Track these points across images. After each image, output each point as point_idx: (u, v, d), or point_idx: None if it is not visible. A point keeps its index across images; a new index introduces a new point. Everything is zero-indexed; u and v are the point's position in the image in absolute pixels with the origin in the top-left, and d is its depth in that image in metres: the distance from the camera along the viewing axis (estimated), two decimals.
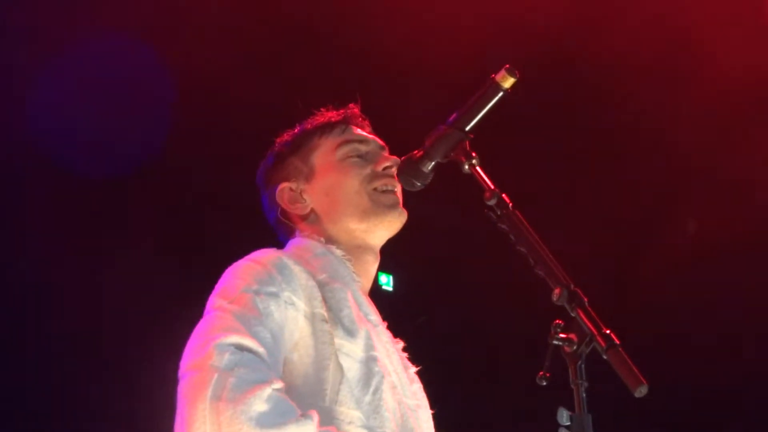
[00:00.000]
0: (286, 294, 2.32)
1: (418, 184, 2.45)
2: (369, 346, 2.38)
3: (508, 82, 2.29)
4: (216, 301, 2.32)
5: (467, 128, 2.33)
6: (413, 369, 2.60)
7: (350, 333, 2.36)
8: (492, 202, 2.22)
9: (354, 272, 2.55)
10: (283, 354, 2.27)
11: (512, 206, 2.23)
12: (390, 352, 2.49)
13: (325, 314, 2.35)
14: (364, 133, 2.72)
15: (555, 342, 2.06)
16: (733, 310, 6.77)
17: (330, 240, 2.59)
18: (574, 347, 2.04)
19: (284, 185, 2.67)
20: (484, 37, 5.64)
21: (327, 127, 2.70)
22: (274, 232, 2.73)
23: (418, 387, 2.57)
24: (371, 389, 2.33)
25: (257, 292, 2.29)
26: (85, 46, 5.31)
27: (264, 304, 2.27)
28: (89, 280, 5.52)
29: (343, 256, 2.56)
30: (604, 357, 2.00)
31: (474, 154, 2.31)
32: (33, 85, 5.32)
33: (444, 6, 5.72)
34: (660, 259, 6.73)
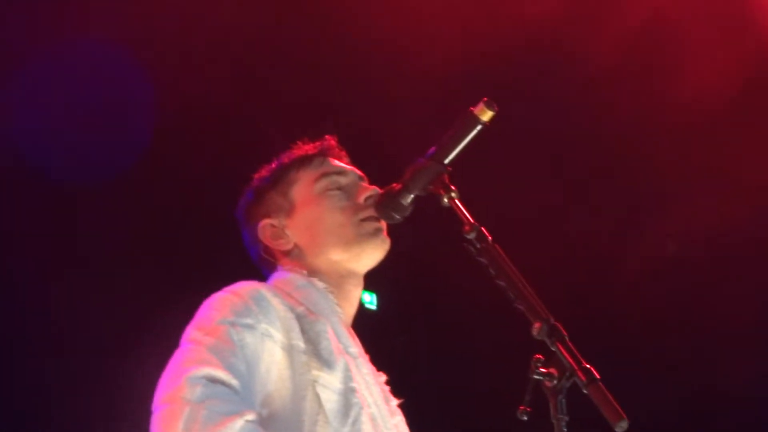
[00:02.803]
0: (262, 326, 2.31)
1: (397, 216, 2.46)
2: (347, 378, 2.38)
3: (486, 116, 2.29)
4: (191, 333, 2.32)
5: (446, 161, 2.33)
6: (395, 402, 2.59)
7: (328, 365, 2.36)
8: (471, 236, 2.22)
9: (336, 304, 2.55)
10: (259, 385, 2.26)
11: (491, 240, 2.23)
12: (370, 384, 2.48)
13: (303, 346, 2.35)
14: (342, 165, 2.72)
15: (535, 377, 2.06)
16: (710, 322, 6.77)
17: (313, 272, 2.58)
18: (555, 381, 2.04)
19: (265, 222, 2.66)
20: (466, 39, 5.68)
21: (305, 161, 2.69)
22: (258, 269, 2.72)
23: (399, 419, 2.56)
24: (350, 420, 2.33)
25: (233, 324, 2.29)
26: (64, 52, 5.31)
27: (239, 336, 2.27)
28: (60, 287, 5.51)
29: (325, 288, 2.56)
30: (585, 391, 2.00)
31: (453, 188, 2.30)
32: (10, 88, 5.31)
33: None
34: (634, 272, 6.72)
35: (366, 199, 2.60)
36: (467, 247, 2.23)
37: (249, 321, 2.30)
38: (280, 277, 2.59)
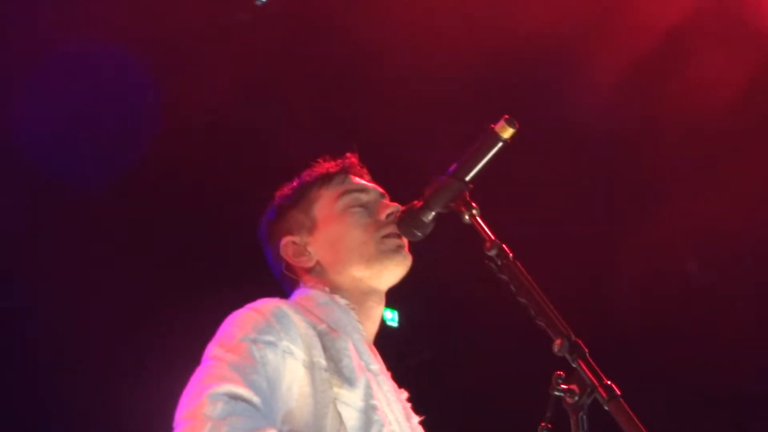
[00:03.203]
0: (284, 343, 2.32)
1: (419, 234, 2.47)
2: (368, 395, 2.39)
3: (507, 133, 2.30)
4: (213, 350, 2.32)
5: (467, 178, 2.34)
6: (416, 419, 2.59)
7: (349, 382, 2.36)
8: (492, 253, 2.23)
9: (358, 320, 2.56)
10: (280, 402, 2.27)
11: (513, 256, 2.23)
12: (391, 401, 2.48)
13: (325, 363, 2.36)
14: (364, 182, 2.73)
15: (556, 393, 2.06)
16: (714, 330, 6.74)
17: (335, 289, 2.59)
18: (576, 398, 2.04)
19: (288, 239, 2.67)
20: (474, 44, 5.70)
21: (326, 178, 2.70)
22: (280, 286, 2.73)
23: None
24: None
25: (254, 341, 2.29)
26: (74, 56, 5.36)
27: (261, 353, 2.28)
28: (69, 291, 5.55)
29: (347, 305, 2.56)
30: (606, 408, 2.00)
31: (474, 204, 2.32)
32: (18, 91, 5.35)
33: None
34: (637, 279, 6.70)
35: (387, 216, 2.60)
36: (488, 263, 2.24)
37: (270, 338, 2.31)
38: (302, 293, 2.60)
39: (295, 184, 2.74)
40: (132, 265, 5.66)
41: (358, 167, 2.76)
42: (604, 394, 2.00)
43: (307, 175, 2.74)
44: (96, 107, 5.53)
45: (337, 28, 5.87)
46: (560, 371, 2.07)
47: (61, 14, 5.31)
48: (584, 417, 2.04)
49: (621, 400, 2.00)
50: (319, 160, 2.76)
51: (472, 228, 2.29)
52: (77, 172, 5.48)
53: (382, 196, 2.71)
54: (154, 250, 5.75)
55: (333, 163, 2.75)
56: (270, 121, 5.87)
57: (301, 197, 2.70)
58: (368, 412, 2.36)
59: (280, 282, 2.72)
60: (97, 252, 5.63)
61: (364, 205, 2.66)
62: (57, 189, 5.52)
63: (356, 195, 2.67)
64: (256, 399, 2.20)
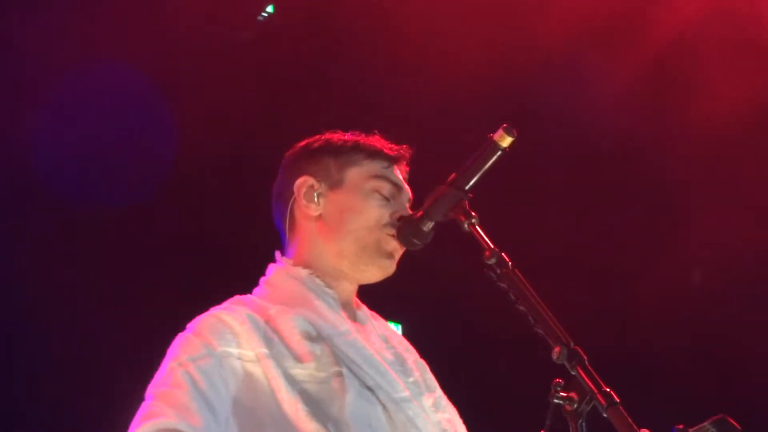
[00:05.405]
0: (220, 350, 2.37)
1: (418, 243, 2.48)
2: (328, 364, 2.42)
3: (506, 142, 2.32)
4: (149, 389, 2.39)
5: (466, 188, 2.36)
6: (414, 357, 2.65)
7: (301, 359, 2.40)
8: (492, 261, 2.24)
9: (325, 285, 2.56)
10: (230, 406, 2.33)
11: (512, 265, 2.25)
12: (368, 356, 2.48)
13: (267, 351, 2.40)
14: (401, 181, 2.68)
15: (556, 401, 2.07)
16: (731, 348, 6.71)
17: (311, 262, 2.60)
18: (575, 405, 2.05)
19: (310, 179, 2.64)
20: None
21: (376, 154, 2.66)
22: (275, 210, 2.72)
23: (418, 375, 2.60)
24: (336, 402, 2.38)
25: (181, 363, 2.37)
26: (87, 77, 5.39)
27: (190, 373, 2.34)
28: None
29: (310, 273, 2.57)
30: (605, 415, 2.02)
31: (474, 213, 2.33)
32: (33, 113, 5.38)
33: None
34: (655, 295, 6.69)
35: (399, 219, 2.57)
36: (488, 272, 2.25)
37: (203, 351, 2.37)
38: (267, 276, 2.63)
39: (348, 137, 2.69)
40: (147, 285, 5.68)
41: (405, 163, 2.72)
42: (602, 401, 2.01)
43: (363, 138, 2.69)
44: (110, 127, 5.56)
45: (342, 44, 5.90)
46: (559, 379, 2.09)
47: (68, 36, 5.36)
48: (584, 424, 2.05)
49: (620, 407, 2.01)
50: (375, 131, 2.72)
51: (471, 237, 2.31)
52: (91, 190, 5.52)
53: (408, 200, 2.68)
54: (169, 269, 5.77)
55: (389, 145, 2.69)
56: (280, 132, 5.88)
57: (345, 152, 2.65)
58: (329, 381, 2.40)
59: (274, 210, 2.71)
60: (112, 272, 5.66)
61: (388, 197, 2.62)
62: (71, 208, 5.55)
63: (389, 186, 2.63)
64: (184, 424, 2.27)
